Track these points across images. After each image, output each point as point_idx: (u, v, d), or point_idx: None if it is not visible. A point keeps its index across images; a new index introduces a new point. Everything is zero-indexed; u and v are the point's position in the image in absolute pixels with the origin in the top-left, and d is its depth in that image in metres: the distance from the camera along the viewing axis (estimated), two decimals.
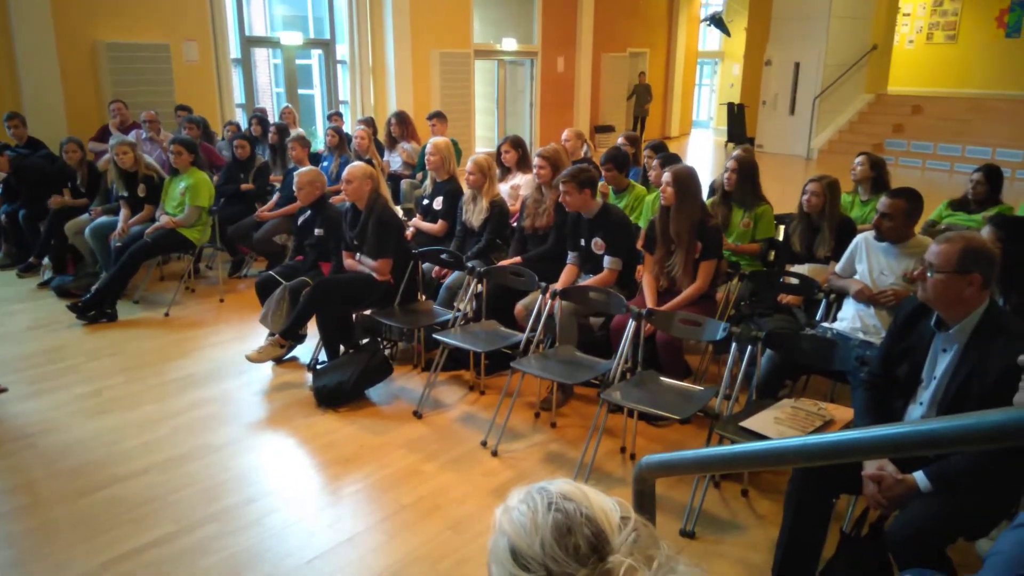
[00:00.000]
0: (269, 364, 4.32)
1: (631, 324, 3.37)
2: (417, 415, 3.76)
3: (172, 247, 5.58)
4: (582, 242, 4.11)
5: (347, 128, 8.68)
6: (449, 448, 3.46)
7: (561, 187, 4.00)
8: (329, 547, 2.72)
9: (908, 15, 16.63)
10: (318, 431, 3.61)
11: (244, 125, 8.03)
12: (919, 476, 2.08)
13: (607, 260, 4.00)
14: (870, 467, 2.12)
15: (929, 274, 2.14)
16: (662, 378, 3.38)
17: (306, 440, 3.54)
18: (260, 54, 14.12)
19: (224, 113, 9.39)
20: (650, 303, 3.81)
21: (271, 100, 14.20)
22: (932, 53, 16.51)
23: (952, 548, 2.11)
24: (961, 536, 2.13)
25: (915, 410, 2.24)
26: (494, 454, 3.40)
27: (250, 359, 4.12)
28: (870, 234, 3.38)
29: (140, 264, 5.31)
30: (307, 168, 4.69)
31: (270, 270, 4.77)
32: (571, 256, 4.18)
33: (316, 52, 11.36)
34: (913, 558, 1.97)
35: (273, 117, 8.67)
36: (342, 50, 11.04)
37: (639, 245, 4.16)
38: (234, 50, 9.76)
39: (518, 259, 4.36)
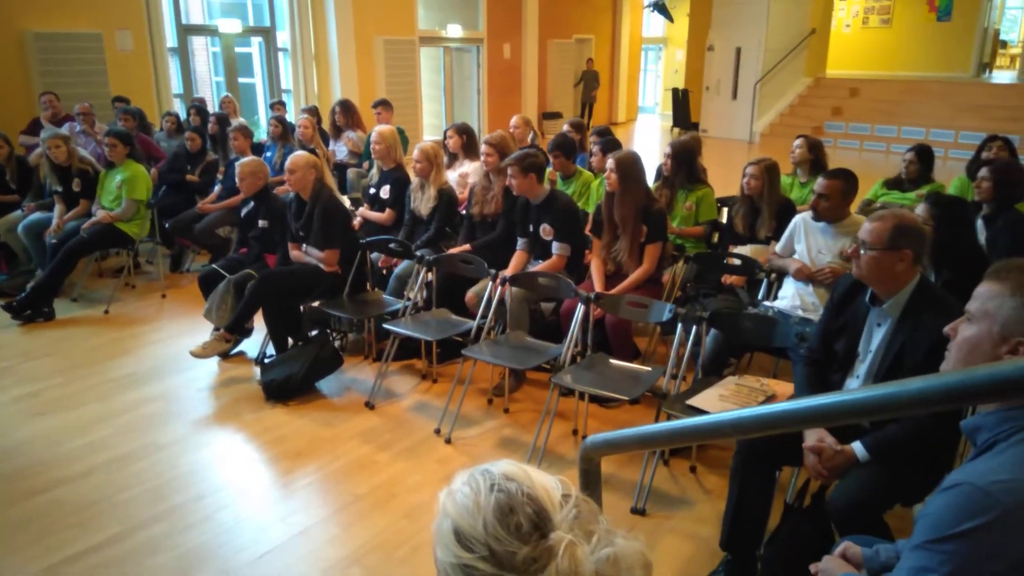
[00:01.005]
0: (215, 359, 4.24)
1: (580, 308, 3.41)
2: (369, 406, 3.74)
3: (110, 242, 5.40)
4: (531, 228, 4.13)
5: (290, 117, 8.51)
6: (402, 437, 3.45)
7: (508, 171, 4.02)
8: (282, 541, 2.70)
9: (845, 0, 17.06)
10: (268, 425, 3.57)
11: (183, 116, 7.80)
12: (857, 446, 2.16)
13: (555, 246, 4.03)
14: (810, 439, 2.20)
15: (863, 251, 2.21)
16: (612, 360, 3.44)
17: (255, 435, 3.49)
18: (198, 42, 13.72)
19: (162, 104, 9.11)
20: (598, 287, 3.86)
21: (210, 89, 13.83)
22: (868, 37, 16.99)
23: (890, 514, 2.20)
24: (898, 502, 2.22)
25: (852, 383, 2.32)
26: (448, 441, 3.41)
27: (195, 355, 4.03)
28: (808, 214, 3.48)
29: (77, 261, 5.14)
30: (249, 158, 4.59)
31: (213, 263, 4.67)
32: (520, 242, 4.20)
33: (256, 40, 11.11)
34: (852, 525, 2.04)
35: (213, 107, 8.46)
36: (283, 37, 10.81)
37: (587, 230, 4.20)
38: (171, 39, 9.46)
39: (467, 247, 4.36)
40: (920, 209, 3.00)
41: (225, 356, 4.29)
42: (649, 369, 3.35)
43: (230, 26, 10.33)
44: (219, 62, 12.26)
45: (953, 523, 1.17)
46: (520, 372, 3.90)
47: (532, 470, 0.87)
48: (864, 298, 2.30)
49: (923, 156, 4.80)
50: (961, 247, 2.91)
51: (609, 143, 5.11)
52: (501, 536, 0.79)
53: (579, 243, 4.15)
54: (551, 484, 0.85)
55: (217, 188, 5.98)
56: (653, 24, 19.44)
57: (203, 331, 4.34)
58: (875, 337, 2.27)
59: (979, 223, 3.69)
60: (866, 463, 2.14)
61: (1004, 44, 17.22)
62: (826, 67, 15.23)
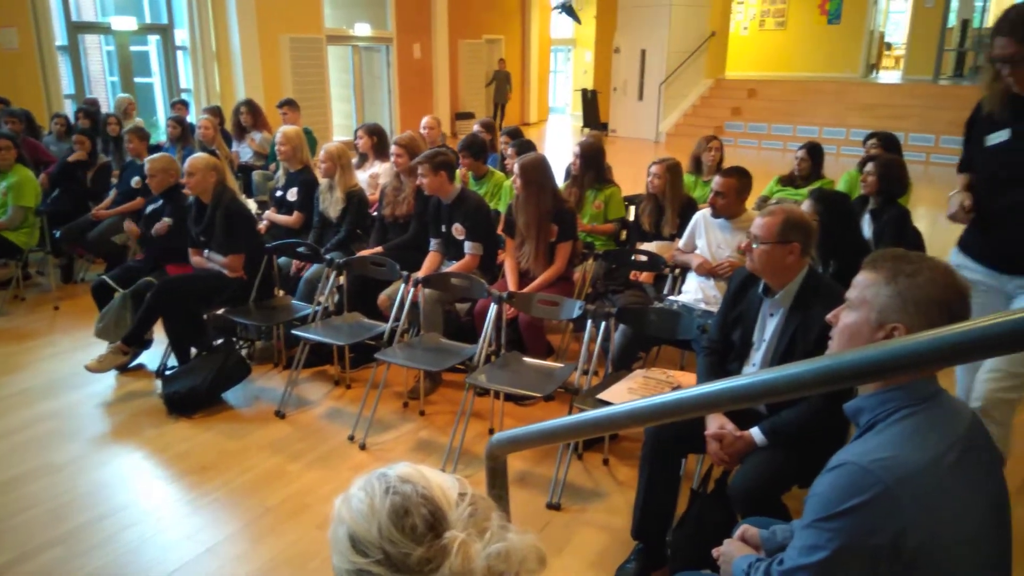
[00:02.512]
0: (112, 373, 4.03)
1: (493, 308, 3.43)
2: (280, 415, 3.65)
3: None
4: (443, 228, 4.12)
5: (192, 118, 8.20)
6: (315, 446, 3.38)
7: (418, 170, 4.00)
8: (188, 559, 2.59)
9: (742, 3, 17.77)
10: (171, 440, 3.42)
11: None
12: (755, 431, 2.26)
13: (468, 245, 4.04)
14: (711, 426, 2.28)
15: (755, 245, 2.32)
16: (525, 359, 3.47)
17: (158, 451, 3.34)
18: (91, 41, 13.05)
19: (51, 105, 8.60)
20: (512, 286, 3.88)
21: (105, 90, 13.17)
22: (764, 39, 17.75)
23: (788, 496, 2.31)
24: (795, 483, 2.33)
25: (748, 370, 2.42)
26: (362, 448, 3.36)
27: (90, 369, 3.83)
28: (708, 211, 3.62)
29: None
30: (161, 154, 4.37)
31: (108, 273, 4.44)
32: (433, 243, 4.18)
33: (153, 38, 10.63)
34: (752, 508, 2.13)
35: (109, 107, 8.05)
36: (182, 35, 10.38)
37: (499, 230, 4.23)
38: (60, 36, 8.94)
39: (379, 249, 4.31)
40: (806, 205, 3.16)
41: (123, 369, 4.09)
42: (562, 366, 3.40)
43: (124, 23, 9.86)
44: (114, 61, 11.67)
45: (838, 501, 1.23)
46: (436, 374, 3.88)
47: (428, 471, 0.87)
48: (758, 289, 2.41)
49: (813, 154, 5.06)
50: (846, 239, 3.09)
51: (523, 145, 5.16)
52: (395, 538, 0.79)
53: (491, 243, 4.16)
54: (447, 483, 0.86)
55: (112, 193, 5.69)
56: (562, 26, 19.72)
57: (99, 344, 4.12)
58: (769, 326, 2.38)
59: (867, 216, 3.92)
60: (764, 447, 2.24)
61: (889, 46, 18.32)
62: (726, 69, 15.83)
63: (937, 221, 7.91)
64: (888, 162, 3.90)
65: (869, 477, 1.22)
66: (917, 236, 3.98)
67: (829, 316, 1.54)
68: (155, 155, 4.32)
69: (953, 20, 14.10)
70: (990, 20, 15.60)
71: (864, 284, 1.43)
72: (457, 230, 4.07)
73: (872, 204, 3.87)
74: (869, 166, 3.90)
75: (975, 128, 2.51)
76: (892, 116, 12.21)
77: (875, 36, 16.65)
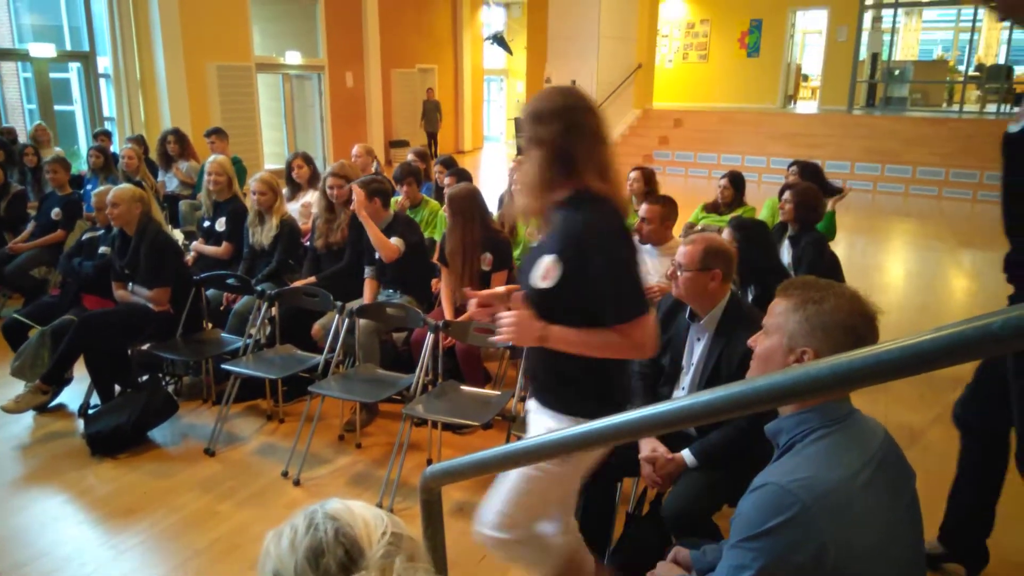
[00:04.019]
0: (30, 414, 3.85)
1: (430, 336, 3.43)
2: (209, 452, 3.54)
3: None
4: (377, 254, 4.10)
5: (115, 147, 7.96)
6: (247, 483, 3.29)
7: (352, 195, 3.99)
8: None
9: (667, 36, 18.42)
10: (94, 482, 3.28)
11: None
12: (686, 453, 2.32)
13: (394, 240, 4.00)
14: (645, 450, 2.34)
15: (679, 272, 2.41)
16: (463, 387, 3.48)
17: (80, 494, 3.20)
18: (7, 68, 12.56)
19: None
20: (448, 315, 3.89)
21: (23, 118, 12.66)
22: (688, 71, 18.42)
23: (721, 516, 2.37)
24: (725, 503, 2.40)
25: (678, 394, 2.50)
26: (296, 484, 3.29)
27: (6, 410, 3.65)
28: (636, 239, 3.72)
29: None
30: (125, 185, 4.12)
31: (20, 311, 4.25)
32: (368, 270, 4.16)
33: (74, 65, 10.30)
34: (685, 529, 2.19)
35: (25, 137, 7.74)
36: (104, 63, 10.10)
37: (434, 259, 4.24)
38: None
39: (313, 279, 4.26)
40: (725, 233, 3.29)
41: (42, 409, 3.90)
42: (499, 393, 3.42)
43: (43, 50, 9.54)
44: (32, 88, 11.25)
45: (761, 521, 1.28)
46: (373, 405, 3.84)
47: (359, 507, 0.88)
48: (685, 315, 2.50)
49: (735, 182, 5.26)
50: (764, 265, 3.23)
51: (460, 173, 5.21)
52: None
53: (423, 270, 4.17)
54: (375, 521, 0.87)
55: (31, 225, 5.47)
56: (494, 56, 20.01)
57: (14, 383, 3.93)
58: (696, 350, 2.46)
59: (786, 242, 4.09)
60: (695, 468, 2.30)
61: (806, 77, 19.26)
62: (653, 99, 16.33)
63: (854, 245, 8.31)
64: (803, 190, 4.09)
65: (788, 496, 1.27)
66: (834, 260, 4.18)
67: (750, 341, 1.61)
68: (119, 186, 4.01)
69: (864, 54, 14.94)
70: (898, 54, 16.63)
71: (777, 311, 1.51)
72: None
73: (791, 230, 4.05)
74: (786, 194, 4.08)
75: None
76: (810, 145, 12.81)
77: (792, 68, 17.49)
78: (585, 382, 1.87)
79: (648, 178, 4.91)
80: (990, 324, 0.70)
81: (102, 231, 4.24)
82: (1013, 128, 1.99)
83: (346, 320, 3.67)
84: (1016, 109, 1.98)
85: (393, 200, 5.25)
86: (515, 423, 3.00)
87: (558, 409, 1.90)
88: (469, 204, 3.91)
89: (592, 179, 1.78)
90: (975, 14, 15.24)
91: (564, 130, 1.78)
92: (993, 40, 16.94)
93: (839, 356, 0.82)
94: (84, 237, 4.33)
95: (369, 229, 3.93)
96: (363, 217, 3.90)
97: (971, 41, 15.85)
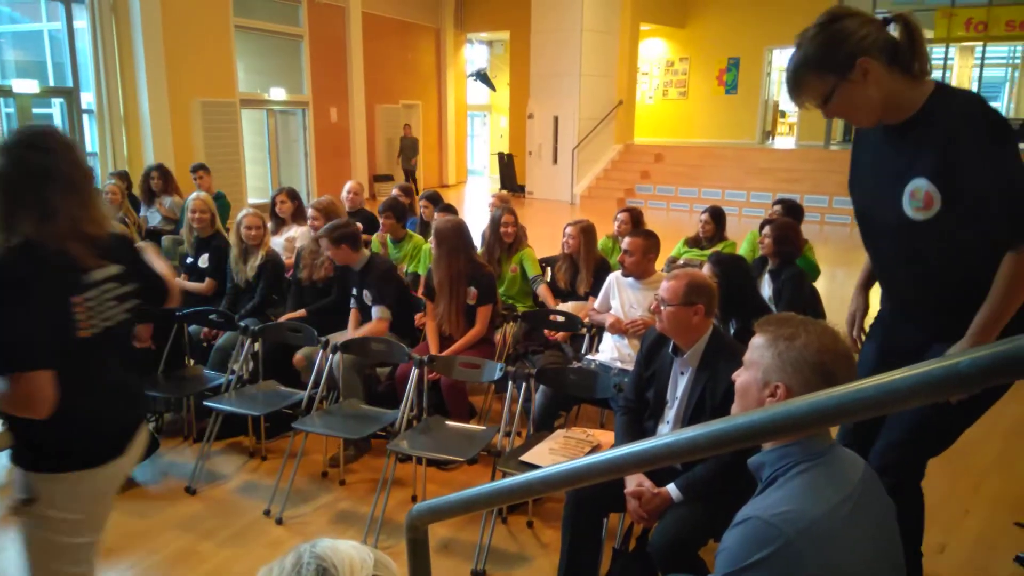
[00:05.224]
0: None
1: (414, 371, 3.43)
2: (190, 491, 3.49)
3: None
4: (353, 291, 4.13)
5: (98, 182, 7.93)
6: (229, 522, 3.25)
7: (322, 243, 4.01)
8: None
9: (647, 74, 18.79)
10: None
11: None
12: (671, 488, 2.33)
13: (375, 310, 4.04)
14: (630, 485, 2.34)
15: (663, 307, 2.44)
16: (448, 422, 3.47)
17: None
18: None
19: None
20: (433, 350, 3.90)
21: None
22: (668, 108, 18.77)
23: (705, 550, 2.37)
24: (711, 537, 2.40)
25: (663, 428, 2.51)
26: (279, 522, 3.25)
27: None
28: (620, 272, 3.77)
29: None
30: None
31: None
32: (354, 301, 4.17)
33: (57, 101, 10.31)
34: (671, 563, 2.19)
35: None
36: (88, 98, 10.12)
37: (419, 293, 4.25)
38: None
39: (303, 312, 4.27)
40: (705, 268, 3.34)
41: None
42: (484, 428, 3.41)
43: (26, 86, 9.55)
44: (14, 124, 11.22)
45: (745, 555, 1.29)
46: (361, 441, 3.81)
47: (347, 547, 0.88)
48: (668, 349, 2.52)
49: (716, 217, 5.35)
50: (743, 299, 3.27)
51: (446, 209, 5.27)
52: None
53: (404, 307, 4.16)
54: (360, 562, 0.87)
55: None
56: (477, 92, 20.29)
57: None
58: (680, 384, 2.49)
59: (766, 276, 4.15)
60: (680, 503, 2.31)
61: (783, 114, 19.66)
62: (634, 134, 16.60)
63: (834, 277, 8.42)
64: (782, 225, 4.16)
65: (772, 530, 1.28)
66: (814, 294, 4.25)
67: (733, 376, 1.64)
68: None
69: None
70: None
71: (754, 346, 1.54)
72: (368, 296, 4.08)
73: (771, 265, 4.11)
74: (766, 229, 4.16)
75: None
76: (788, 179, 13.03)
77: (769, 105, 17.87)
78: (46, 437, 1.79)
79: (636, 219, 4.96)
80: (957, 364, 0.72)
81: None
82: (919, 217, 1.86)
83: (330, 356, 3.66)
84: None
85: (375, 236, 5.29)
86: (500, 458, 2.99)
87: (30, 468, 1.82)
88: (454, 236, 3.93)
89: (27, 223, 1.66)
90: (946, 52, 15.69)
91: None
92: (965, 77, 17.45)
93: (818, 394, 0.84)
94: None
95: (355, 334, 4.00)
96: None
97: (943, 78, 16.17)
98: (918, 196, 1.81)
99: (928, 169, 1.78)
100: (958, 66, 17.19)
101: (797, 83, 1.85)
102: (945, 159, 1.75)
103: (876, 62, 1.76)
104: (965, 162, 1.73)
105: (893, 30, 1.82)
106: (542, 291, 4.54)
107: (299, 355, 3.97)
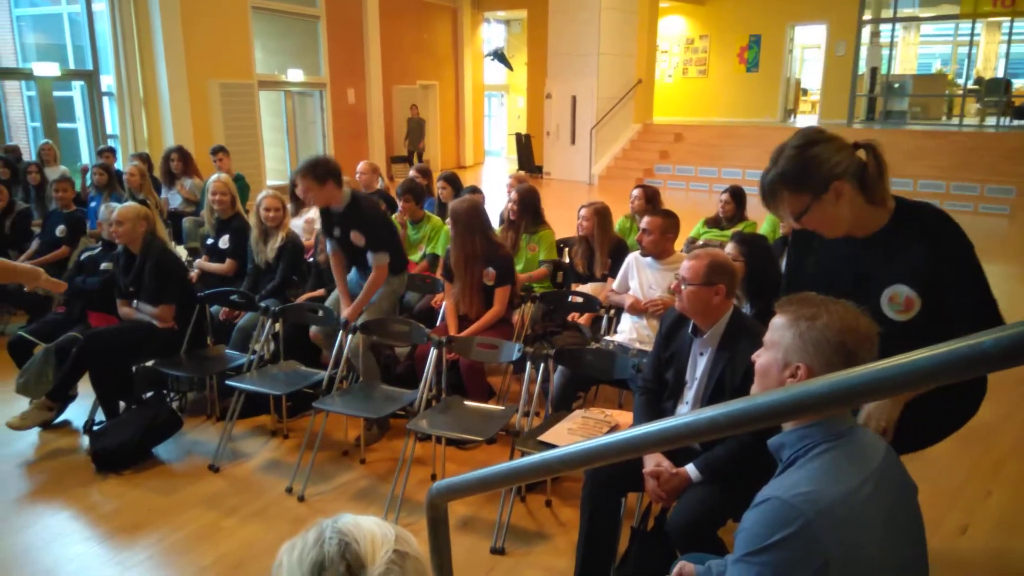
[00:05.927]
0: (36, 430, 3.87)
1: (433, 352, 3.45)
2: (213, 469, 3.55)
3: None
4: (336, 232, 3.93)
5: (120, 164, 8.02)
6: (251, 500, 3.30)
7: (300, 184, 3.87)
8: None
9: (666, 52, 18.56)
10: (99, 499, 3.29)
11: None
12: (690, 468, 2.33)
13: (371, 257, 3.88)
14: (649, 464, 2.35)
15: (683, 287, 2.43)
16: (467, 402, 3.49)
17: (86, 510, 3.21)
18: (10, 86, 12.68)
19: None
20: (452, 330, 3.91)
21: (26, 136, 12.77)
22: (688, 86, 18.54)
23: (724, 530, 2.38)
24: (729, 518, 2.41)
25: (682, 408, 2.51)
26: (301, 500, 3.30)
27: (11, 426, 3.66)
28: (639, 252, 3.75)
29: None
30: (130, 203, 4.18)
31: (27, 326, 4.27)
32: (334, 244, 4.00)
33: (78, 83, 10.40)
34: (690, 543, 2.20)
35: (31, 155, 7.80)
36: (108, 81, 10.19)
37: (439, 274, 4.26)
38: None
39: (322, 292, 4.30)
40: (729, 247, 3.31)
41: (47, 426, 3.92)
42: (503, 408, 3.43)
43: (47, 69, 9.63)
44: (36, 107, 11.35)
45: (765, 535, 1.29)
46: (383, 421, 3.84)
47: (369, 522, 0.90)
48: (688, 330, 2.51)
49: (736, 197, 5.29)
50: (767, 279, 3.25)
51: (473, 190, 5.29)
52: None
53: (397, 255, 4.04)
54: (382, 539, 0.88)
55: (35, 243, 5.51)
56: (494, 72, 20.17)
57: (20, 400, 3.95)
58: (699, 365, 2.48)
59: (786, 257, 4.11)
60: (699, 483, 2.31)
61: (805, 91, 19.36)
62: (653, 114, 16.42)
63: None
64: None
65: (792, 511, 1.28)
66: None
67: (753, 356, 1.63)
68: (123, 204, 4.03)
69: (863, 67, 15.03)
70: (897, 68, 16.71)
71: (774, 326, 1.53)
72: (355, 237, 3.89)
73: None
74: None
75: None
76: None
77: (791, 83, 17.60)
78: None
79: (651, 196, 4.89)
80: (982, 343, 0.72)
81: (99, 249, 4.26)
82: (900, 319, 1.94)
83: (349, 336, 3.69)
84: None
85: (394, 216, 5.30)
86: (519, 438, 3.01)
87: None
88: (469, 216, 3.92)
89: None
90: (972, 28, 15.35)
91: None
92: (992, 53, 17.04)
93: (839, 373, 0.83)
94: (83, 256, 4.36)
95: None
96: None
97: (969, 54, 15.93)
98: (898, 300, 1.92)
99: (908, 278, 1.89)
100: (984, 42, 16.80)
101: (773, 196, 1.96)
102: (930, 271, 1.86)
103: (848, 184, 1.86)
104: (948, 275, 1.85)
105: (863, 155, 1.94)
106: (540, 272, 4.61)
107: (314, 330, 3.98)
